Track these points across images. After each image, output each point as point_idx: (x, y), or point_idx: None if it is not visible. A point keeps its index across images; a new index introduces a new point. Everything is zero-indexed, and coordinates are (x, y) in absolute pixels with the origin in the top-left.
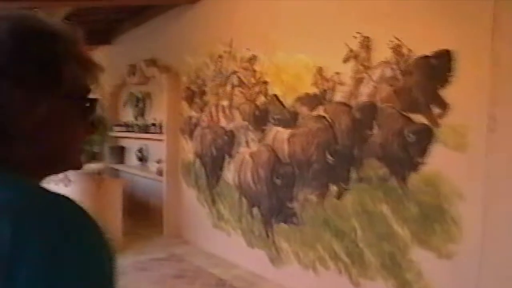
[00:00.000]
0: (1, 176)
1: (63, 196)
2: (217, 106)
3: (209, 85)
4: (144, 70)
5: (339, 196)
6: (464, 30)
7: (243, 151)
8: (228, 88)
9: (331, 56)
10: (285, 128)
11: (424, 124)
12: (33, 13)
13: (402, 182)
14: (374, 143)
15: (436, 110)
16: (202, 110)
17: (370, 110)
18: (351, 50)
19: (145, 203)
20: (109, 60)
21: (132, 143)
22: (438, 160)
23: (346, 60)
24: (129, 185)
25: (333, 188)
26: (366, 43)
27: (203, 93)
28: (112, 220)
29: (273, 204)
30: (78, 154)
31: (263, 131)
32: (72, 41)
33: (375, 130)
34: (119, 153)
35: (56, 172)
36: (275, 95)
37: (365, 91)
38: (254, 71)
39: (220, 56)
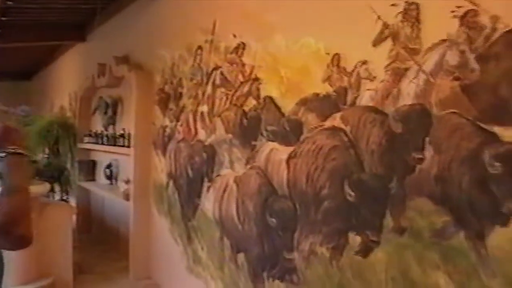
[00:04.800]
0: None
1: None
2: (194, 113)
3: (186, 86)
4: (113, 69)
5: (364, 252)
6: None
7: (226, 174)
8: (209, 89)
9: (354, 37)
10: (283, 144)
11: None
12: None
13: (477, 241)
14: (427, 174)
15: None
16: (177, 119)
17: (420, 119)
18: (386, 26)
19: (115, 230)
20: (82, 60)
21: (102, 157)
22: None
23: (378, 42)
24: (99, 208)
25: (355, 239)
26: (413, 13)
27: (179, 96)
28: (58, 257)
29: (265, 252)
30: None
31: (252, 148)
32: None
33: (429, 153)
34: (90, 168)
35: None
36: (270, 98)
37: (410, 89)
38: (243, 64)
39: (200, 48)
